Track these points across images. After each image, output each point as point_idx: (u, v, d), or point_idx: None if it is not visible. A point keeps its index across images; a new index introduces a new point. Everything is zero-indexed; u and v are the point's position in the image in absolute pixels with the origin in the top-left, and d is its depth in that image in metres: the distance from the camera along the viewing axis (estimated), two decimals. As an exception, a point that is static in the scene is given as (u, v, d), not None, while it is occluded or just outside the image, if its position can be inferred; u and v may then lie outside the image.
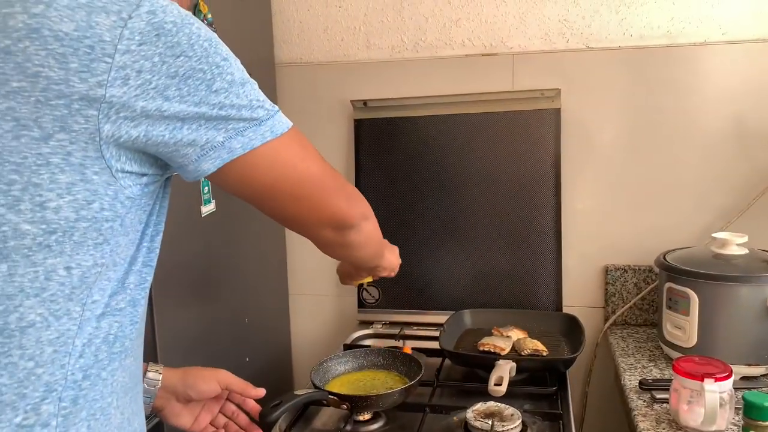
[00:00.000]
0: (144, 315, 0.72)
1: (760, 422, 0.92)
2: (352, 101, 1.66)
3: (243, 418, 1.02)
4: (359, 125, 1.67)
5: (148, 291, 0.71)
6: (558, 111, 1.55)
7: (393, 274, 1.16)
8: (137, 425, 0.72)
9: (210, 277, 1.35)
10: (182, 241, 1.24)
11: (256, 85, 0.68)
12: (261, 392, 1.01)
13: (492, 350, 1.37)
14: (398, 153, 1.65)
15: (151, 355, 1.14)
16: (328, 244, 0.82)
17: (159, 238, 0.71)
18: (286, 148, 0.69)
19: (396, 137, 1.65)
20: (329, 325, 1.80)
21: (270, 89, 1.69)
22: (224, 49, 0.65)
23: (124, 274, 0.66)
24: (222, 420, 1.02)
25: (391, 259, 1.11)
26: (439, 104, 1.61)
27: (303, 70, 1.72)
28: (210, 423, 1.01)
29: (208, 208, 1.31)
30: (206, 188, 1.30)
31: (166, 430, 1.15)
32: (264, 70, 1.65)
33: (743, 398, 0.94)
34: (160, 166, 0.66)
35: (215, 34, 0.65)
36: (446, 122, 1.61)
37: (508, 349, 1.37)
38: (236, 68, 0.65)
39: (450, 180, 1.62)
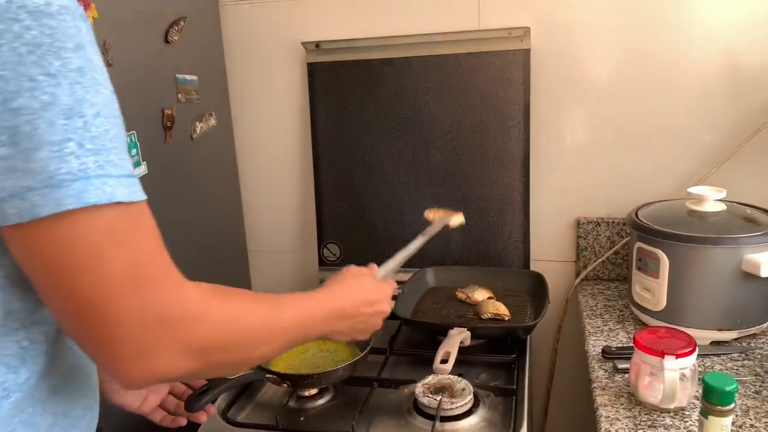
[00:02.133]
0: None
1: (720, 407, 0.84)
2: (303, 43, 1.52)
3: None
4: (312, 69, 1.53)
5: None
6: (527, 52, 1.40)
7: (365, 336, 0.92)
8: (80, 410, 0.65)
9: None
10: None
11: (101, 128, 0.50)
12: None
13: (467, 300, 1.37)
14: (355, 99, 1.52)
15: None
16: None
17: None
18: (87, 231, 0.49)
19: (352, 82, 1.51)
20: (289, 286, 1.72)
21: (215, 33, 1.54)
22: (57, 64, 0.48)
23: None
24: (173, 402, 0.95)
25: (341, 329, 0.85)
26: (398, 46, 1.47)
27: (250, 10, 1.56)
28: (159, 405, 0.94)
29: (137, 171, 1.20)
30: (134, 150, 1.19)
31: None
32: (207, 10, 1.49)
33: (702, 380, 0.86)
34: None
35: (68, 43, 0.49)
36: (406, 65, 1.47)
37: (482, 299, 1.35)
38: (68, 92, 0.48)
39: (411, 128, 1.50)
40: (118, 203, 0.51)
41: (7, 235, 0.50)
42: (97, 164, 0.49)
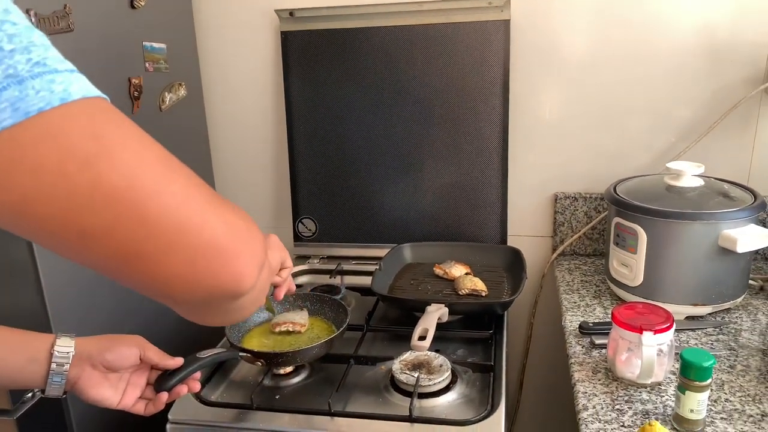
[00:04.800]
0: None
1: (698, 382, 0.85)
2: (277, 11, 1.46)
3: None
4: (286, 38, 1.48)
5: None
6: (507, 23, 1.37)
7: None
8: None
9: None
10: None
11: (20, 25, 0.38)
12: (179, 362, 0.89)
13: (444, 276, 1.36)
14: (331, 70, 1.47)
15: (43, 318, 1.02)
16: (195, 313, 0.52)
17: None
18: (61, 129, 0.37)
19: (328, 52, 1.46)
20: (263, 260, 1.69)
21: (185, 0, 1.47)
22: None
23: None
24: (152, 392, 0.88)
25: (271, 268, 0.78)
26: (375, 15, 1.42)
27: (220, -26, 1.50)
28: (140, 397, 0.87)
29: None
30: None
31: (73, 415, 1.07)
32: (174, -26, 1.42)
33: (681, 356, 0.86)
34: None
35: None
36: (383, 35, 1.43)
37: (459, 275, 1.34)
38: None
39: (387, 100, 1.46)
40: (83, 98, 0.39)
41: None
42: (31, 62, 0.37)
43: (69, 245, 0.40)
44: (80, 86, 0.39)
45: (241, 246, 0.45)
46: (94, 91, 0.40)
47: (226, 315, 0.53)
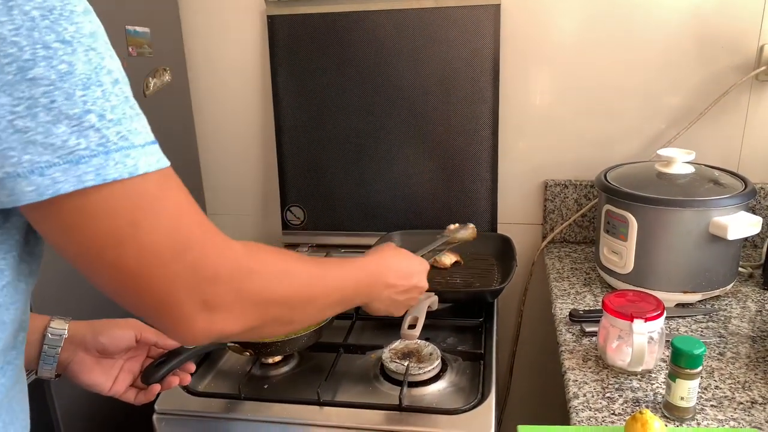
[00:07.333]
0: (21, 317, 0.57)
1: (688, 370, 0.84)
2: (263, -6, 1.43)
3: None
4: (273, 23, 1.45)
5: (28, 294, 0.57)
6: (497, 7, 1.35)
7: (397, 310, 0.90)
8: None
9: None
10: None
11: (121, 96, 0.47)
12: (177, 344, 0.87)
13: (435, 264, 1.34)
14: (319, 55, 1.45)
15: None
16: None
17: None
18: (116, 206, 0.47)
19: (315, 36, 1.44)
20: (251, 248, 1.67)
21: (167, -20, 1.44)
22: (72, 29, 0.44)
23: None
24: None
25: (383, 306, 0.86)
26: (363, -2, 1.40)
27: (205, -44, 1.46)
28: (132, 385, 0.86)
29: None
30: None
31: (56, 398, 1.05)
32: (158, -45, 1.39)
33: (671, 344, 0.85)
34: None
35: (78, 6, 0.45)
36: (372, 20, 1.40)
37: (450, 264, 1.35)
38: (84, 60, 0.45)
39: (376, 86, 1.44)
40: (144, 174, 0.48)
41: (29, 216, 0.48)
42: (119, 135, 0.46)
43: (90, 279, 0.51)
44: (146, 161, 0.48)
45: (193, 317, 0.53)
46: (154, 166, 0.49)
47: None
